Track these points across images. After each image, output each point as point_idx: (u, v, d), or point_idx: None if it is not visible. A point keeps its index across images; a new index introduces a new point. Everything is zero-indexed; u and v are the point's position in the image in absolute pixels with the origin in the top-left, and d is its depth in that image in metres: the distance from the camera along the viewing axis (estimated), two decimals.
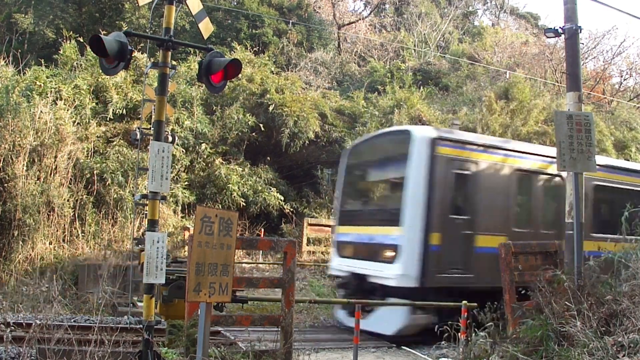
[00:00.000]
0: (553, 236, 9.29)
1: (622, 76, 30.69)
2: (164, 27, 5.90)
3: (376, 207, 11.18)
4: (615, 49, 30.75)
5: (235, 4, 26.94)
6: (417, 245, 9.27)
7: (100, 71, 10.09)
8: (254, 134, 17.34)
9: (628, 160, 21.14)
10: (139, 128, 10.64)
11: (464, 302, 8.23)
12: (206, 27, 6.54)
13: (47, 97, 14.44)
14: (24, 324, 5.12)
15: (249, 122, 16.90)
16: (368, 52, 29.58)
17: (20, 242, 12.91)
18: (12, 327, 4.87)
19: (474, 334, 6.84)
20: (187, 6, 6.33)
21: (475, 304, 7.99)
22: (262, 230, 16.32)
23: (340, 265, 10.80)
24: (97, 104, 15.76)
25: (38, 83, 14.69)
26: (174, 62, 12.84)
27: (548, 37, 11.09)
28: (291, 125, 17.30)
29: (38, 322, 4.91)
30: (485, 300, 7.01)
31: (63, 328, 5.13)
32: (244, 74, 17.88)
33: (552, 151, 8.63)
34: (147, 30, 18.50)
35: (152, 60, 6.59)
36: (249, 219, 16.65)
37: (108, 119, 15.57)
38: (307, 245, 16.35)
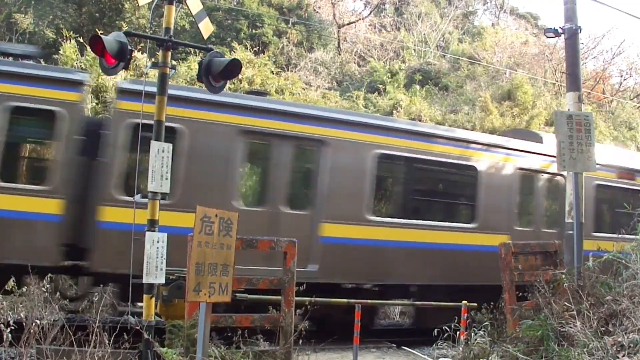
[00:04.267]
0: None
1: (622, 76, 30.69)
2: (164, 27, 5.91)
3: None
4: (615, 49, 30.74)
5: (235, 4, 26.91)
6: None
7: (100, 71, 10.06)
8: None
9: None
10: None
11: (464, 302, 8.24)
12: (206, 27, 6.55)
13: None
14: (24, 324, 5.14)
15: None
16: (368, 52, 29.55)
17: None
18: (12, 327, 4.86)
19: (472, 334, 6.85)
20: (187, 6, 6.34)
21: (475, 304, 8.01)
22: None
23: None
24: (97, 104, 15.73)
25: None
26: (174, 62, 12.86)
27: (548, 37, 11.13)
28: None
29: (37, 322, 4.91)
30: None
31: (63, 328, 5.13)
32: (245, 76, 17.86)
33: None
34: (147, 30, 18.48)
35: (152, 60, 6.59)
36: None
37: None
38: None
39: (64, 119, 8.21)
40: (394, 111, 18.87)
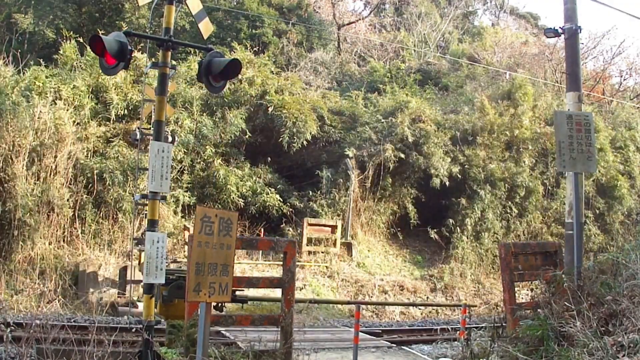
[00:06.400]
0: None
1: (622, 76, 30.66)
2: (164, 27, 5.92)
3: None
4: (615, 49, 30.73)
5: (235, 4, 26.91)
6: None
7: (100, 71, 10.08)
8: (248, 136, 17.26)
9: (627, 160, 21.14)
10: (138, 128, 10.68)
11: (464, 301, 8.24)
12: (206, 27, 6.56)
13: (47, 97, 14.43)
14: (24, 324, 5.14)
15: (242, 127, 16.84)
16: (368, 52, 29.55)
17: (20, 242, 12.90)
18: (12, 327, 4.86)
19: (472, 333, 6.86)
20: (187, 6, 6.35)
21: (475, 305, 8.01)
22: (262, 230, 16.31)
23: None
24: (97, 104, 15.76)
25: (37, 83, 14.68)
26: (173, 62, 12.85)
27: (548, 37, 11.12)
28: (290, 126, 17.30)
29: (37, 322, 4.91)
30: None
31: (63, 328, 5.13)
32: (245, 77, 17.85)
33: None
34: (147, 30, 18.48)
35: (152, 60, 6.59)
36: (248, 219, 16.63)
37: (109, 119, 15.59)
38: (307, 245, 16.33)
39: None
40: (398, 112, 18.79)
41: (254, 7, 25.40)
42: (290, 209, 17.12)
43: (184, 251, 13.99)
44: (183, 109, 16.36)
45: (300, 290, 14.36)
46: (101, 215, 14.41)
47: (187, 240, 11.53)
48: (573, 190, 7.98)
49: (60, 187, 13.75)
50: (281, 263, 6.56)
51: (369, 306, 14.83)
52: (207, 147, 16.31)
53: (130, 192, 14.28)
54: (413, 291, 16.41)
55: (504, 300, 6.84)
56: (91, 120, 15.31)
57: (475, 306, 15.34)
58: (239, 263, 14.61)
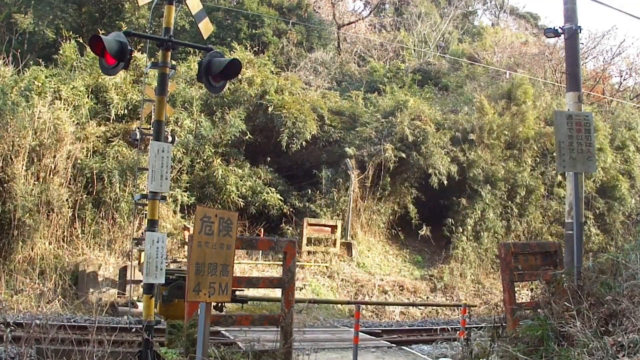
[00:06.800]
0: None
1: (622, 76, 30.64)
2: (164, 27, 5.92)
3: None
4: (615, 49, 30.71)
5: (235, 4, 26.90)
6: None
7: (100, 71, 10.08)
8: (249, 137, 17.24)
9: (627, 160, 21.12)
10: (138, 128, 10.68)
11: (464, 301, 8.24)
12: (206, 27, 6.56)
13: (46, 97, 14.43)
14: (24, 324, 5.15)
15: (242, 128, 16.83)
16: (368, 52, 29.55)
17: (20, 242, 12.90)
18: (12, 327, 4.86)
19: (472, 333, 6.86)
20: (187, 6, 6.35)
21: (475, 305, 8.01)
22: (262, 230, 16.31)
23: None
24: (96, 104, 15.76)
25: (37, 83, 14.68)
26: (173, 62, 12.85)
27: (548, 37, 11.11)
28: (290, 126, 17.31)
29: (37, 322, 4.91)
30: None
31: (63, 328, 5.12)
32: (245, 76, 17.86)
33: None
34: (147, 30, 18.47)
35: (152, 60, 6.59)
36: (248, 219, 16.63)
37: (109, 119, 15.60)
38: (307, 245, 16.33)
39: None
40: (397, 111, 18.79)
41: (254, 7, 25.38)
42: (290, 209, 17.12)
43: (184, 251, 13.99)
44: (183, 109, 16.36)
45: (300, 290, 14.36)
46: (101, 215, 14.41)
47: (187, 240, 11.53)
48: (573, 190, 7.97)
49: (59, 187, 13.75)
50: (281, 263, 6.57)
51: (369, 306, 14.85)
52: (207, 147, 16.31)
53: (130, 192, 14.27)
54: (413, 291, 16.42)
55: (504, 300, 6.84)
56: (91, 120, 15.31)
57: (475, 306, 15.35)
58: (239, 263, 14.61)
